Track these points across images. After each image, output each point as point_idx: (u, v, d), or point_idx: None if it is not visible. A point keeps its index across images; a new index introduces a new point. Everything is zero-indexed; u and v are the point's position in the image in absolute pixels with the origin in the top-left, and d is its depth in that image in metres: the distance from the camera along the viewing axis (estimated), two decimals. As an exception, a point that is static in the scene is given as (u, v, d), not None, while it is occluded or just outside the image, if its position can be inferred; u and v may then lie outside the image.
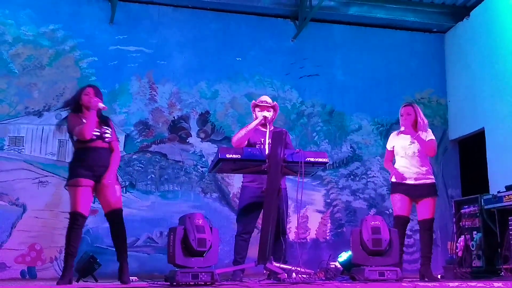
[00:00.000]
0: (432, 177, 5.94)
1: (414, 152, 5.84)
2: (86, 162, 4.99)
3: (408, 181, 5.79)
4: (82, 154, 5.05)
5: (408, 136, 5.88)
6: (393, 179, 5.95)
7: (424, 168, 5.85)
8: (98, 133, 5.05)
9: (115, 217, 5.06)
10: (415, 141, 5.85)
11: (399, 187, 5.83)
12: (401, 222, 5.73)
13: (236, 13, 8.78)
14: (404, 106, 6.04)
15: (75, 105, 5.20)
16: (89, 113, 5.04)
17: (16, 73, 7.87)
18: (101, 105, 5.07)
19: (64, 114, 7.59)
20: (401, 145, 5.90)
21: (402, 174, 5.83)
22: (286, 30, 8.92)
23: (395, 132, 6.10)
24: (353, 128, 8.93)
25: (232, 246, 5.59)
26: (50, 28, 8.08)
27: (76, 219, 4.93)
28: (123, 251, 5.05)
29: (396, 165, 5.96)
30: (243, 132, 5.45)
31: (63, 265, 4.99)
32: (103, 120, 5.20)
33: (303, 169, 4.80)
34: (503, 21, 8.06)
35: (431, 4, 8.96)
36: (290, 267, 4.82)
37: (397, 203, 5.82)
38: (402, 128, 5.93)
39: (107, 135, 5.09)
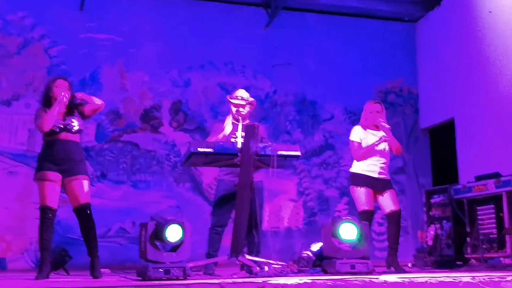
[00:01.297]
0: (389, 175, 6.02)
1: (384, 148, 5.88)
2: (52, 155, 4.92)
3: (372, 175, 5.82)
4: (48, 147, 4.99)
5: (379, 132, 5.90)
6: (355, 170, 5.94)
7: (386, 166, 5.92)
8: (61, 125, 4.97)
9: (83, 213, 5.01)
10: (385, 140, 5.87)
11: (364, 180, 5.80)
12: (368, 217, 5.74)
13: (208, 1, 8.72)
14: (375, 103, 6.06)
15: (46, 98, 5.13)
16: (55, 103, 4.95)
17: (-17, 61, 7.73)
18: (64, 99, 4.96)
19: (33, 103, 7.68)
20: (371, 140, 5.90)
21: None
22: (258, 19, 8.88)
23: (359, 126, 6.05)
24: (325, 117, 8.96)
25: (205, 236, 5.59)
26: (18, 16, 7.93)
27: (45, 213, 4.90)
28: (93, 246, 5.01)
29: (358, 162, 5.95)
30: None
31: (39, 260, 4.96)
32: (70, 111, 5.10)
33: (275, 162, 4.81)
34: (473, 10, 8.13)
35: (403, -7, 9.01)
36: (262, 259, 4.84)
37: (362, 197, 5.80)
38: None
39: (73, 125, 5.00)
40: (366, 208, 5.77)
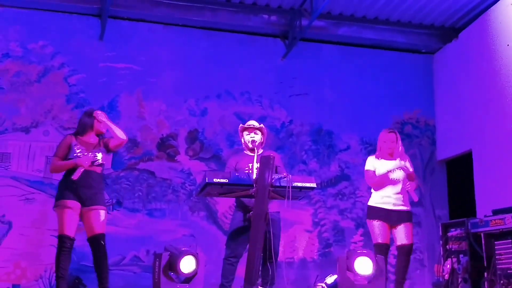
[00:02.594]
0: (409, 205, 5.97)
1: (398, 179, 5.85)
2: (73, 184, 4.98)
3: (387, 206, 5.78)
4: (70, 175, 5.04)
5: (395, 162, 5.88)
6: (370, 203, 5.93)
7: (402, 196, 5.88)
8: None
9: (97, 243, 5.04)
10: (400, 168, 5.85)
11: (377, 213, 5.79)
12: (383, 250, 5.70)
13: (226, 32, 8.79)
14: (389, 132, 6.06)
15: (82, 127, 5.23)
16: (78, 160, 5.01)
17: (3, 89, 7.82)
18: (81, 169, 5.05)
19: (51, 130, 7.77)
20: (383, 169, 5.88)
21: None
22: (275, 49, 8.93)
23: (373, 156, 6.07)
24: (341, 148, 8.93)
25: (219, 266, 5.57)
26: (39, 44, 8.05)
27: (63, 242, 4.95)
28: (105, 277, 5.03)
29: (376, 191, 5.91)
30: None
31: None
32: (99, 142, 5.22)
33: (290, 193, 4.80)
34: (491, 43, 8.12)
35: (420, 26, 9.01)
36: (276, 292, 4.82)
37: (376, 230, 5.77)
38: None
39: (98, 160, 5.08)
40: (380, 241, 5.74)
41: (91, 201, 5.03)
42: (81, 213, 5.01)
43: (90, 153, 5.07)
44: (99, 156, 5.10)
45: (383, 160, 5.93)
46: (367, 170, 6.04)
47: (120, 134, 5.35)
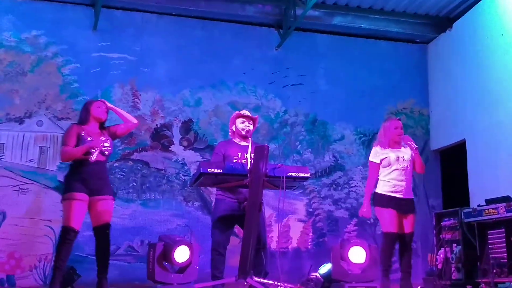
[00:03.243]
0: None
1: (407, 166, 5.83)
2: (81, 175, 4.98)
3: (398, 195, 5.75)
4: (78, 167, 5.04)
5: (405, 150, 5.87)
6: (380, 190, 5.87)
7: (410, 184, 5.87)
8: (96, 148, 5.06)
9: (103, 232, 5.05)
10: (409, 155, 5.84)
11: (390, 201, 5.74)
12: (393, 239, 5.66)
13: (220, 21, 8.77)
14: (397, 119, 6.04)
15: (84, 117, 5.23)
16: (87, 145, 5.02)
17: (-3, 79, 7.81)
18: (94, 156, 5.03)
19: (45, 121, 7.75)
20: (395, 156, 5.84)
21: (365, 210, 5.84)
22: (270, 39, 8.92)
23: (378, 146, 5.99)
24: (335, 138, 8.94)
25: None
26: (32, 34, 8.01)
27: (67, 233, 4.94)
28: (105, 266, 5.03)
29: (385, 177, 5.86)
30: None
31: (51, 278, 5.00)
32: (102, 132, 5.22)
33: (285, 183, 4.80)
34: (485, 33, 8.14)
35: (415, 15, 9.01)
36: (271, 282, 4.82)
37: (388, 219, 5.71)
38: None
39: (107, 149, 5.07)
40: (392, 230, 5.68)
41: (101, 191, 5.04)
42: (89, 203, 5.02)
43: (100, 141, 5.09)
44: (107, 144, 5.11)
45: (389, 149, 5.87)
46: (371, 161, 5.97)
47: (131, 118, 5.41)
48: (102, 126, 5.28)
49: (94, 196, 5.01)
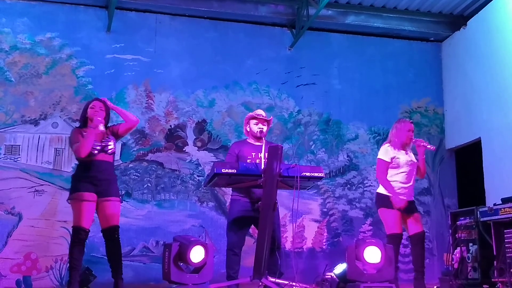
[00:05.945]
0: None
1: (413, 170, 5.83)
2: (89, 175, 5.01)
3: (401, 197, 5.75)
4: (84, 167, 5.07)
5: (411, 153, 5.88)
6: (383, 191, 5.87)
7: (413, 188, 5.88)
8: (99, 147, 5.07)
9: (111, 234, 5.07)
10: (415, 159, 5.84)
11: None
12: (397, 240, 5.68)
13: (233, 22, 8.78)
14: (410, 122, 6.02)
15: (82, 119, 5.27)
16: (90, 129, 5.06)
17: (12, 81, 7.86)
18: (101, 127, 5.07)
19: (60, 122, 7.81)
20: (405, 159, 5.84)
21: (399, 198, 5.80)
22: (283, 39, 8.92)
23: (389, 145, 5.98)
24: (349, 137, 8.92)
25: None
26: (47, 37, 8.07)
27: (78, 233, 4.98)
28: (118, 268, 5.06)
29: (391, 178, 5.86)
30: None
31: (68, 279, 5.06)
32: (107, 131, 5.23)
33: (299, 183, 4.80)
34: (500, 31, 8.07)
35: (428, 13, 8.97)
36: (286, 282, 4.81)
37: (391, 219, 5.74)
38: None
39: (110, 147, 5.10)
40: (396, 231, 5.69)
41: (107, 192, 5.06)
42: (97, 204, 5.04)
43: (102, 142, 5.10)
44: (111, 143, 5.13)
45: (402, 151, 5.87)
46: (381, 159, 5.94)
47: (132, 116, 5.41)
48: (104, 126, 5.28)
49: (101, 197, 5.03)
